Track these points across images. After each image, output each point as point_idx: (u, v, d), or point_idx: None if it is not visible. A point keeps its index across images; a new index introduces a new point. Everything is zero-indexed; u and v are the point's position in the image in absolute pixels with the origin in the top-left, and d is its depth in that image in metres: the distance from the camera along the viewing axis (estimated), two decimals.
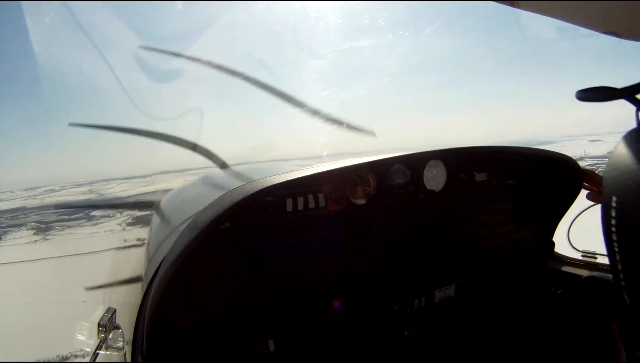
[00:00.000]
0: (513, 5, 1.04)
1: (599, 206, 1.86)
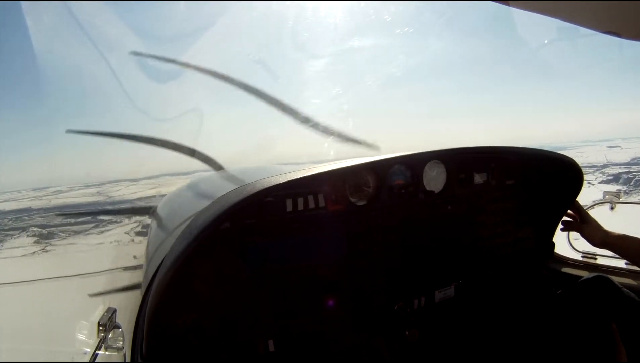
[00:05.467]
0: (514, 6, 1.04)
1: (599, 207, 1.87)
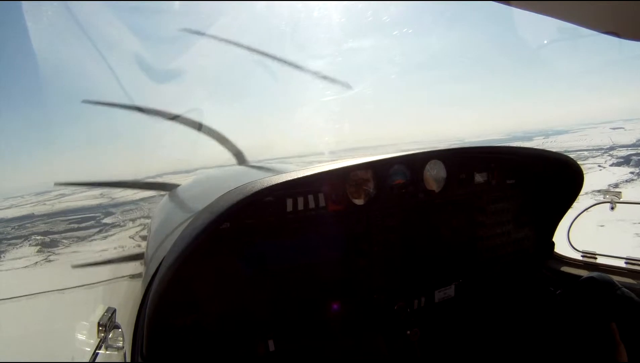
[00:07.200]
0: (515, 6, 1.05)
1: (599, 207, 1.86)
